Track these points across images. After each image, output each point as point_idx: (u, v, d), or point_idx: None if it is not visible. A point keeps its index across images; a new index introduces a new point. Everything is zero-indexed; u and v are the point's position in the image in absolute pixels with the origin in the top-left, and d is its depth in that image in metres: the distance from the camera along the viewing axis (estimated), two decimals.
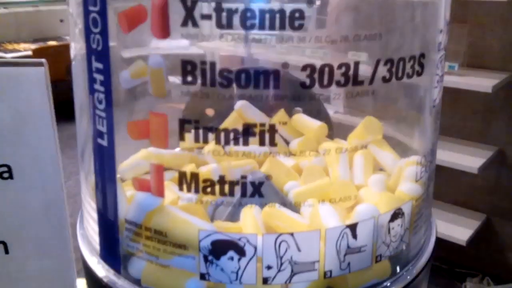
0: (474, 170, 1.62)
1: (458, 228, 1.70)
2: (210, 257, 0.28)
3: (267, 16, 0.25)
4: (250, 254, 0.27)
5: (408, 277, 0.32)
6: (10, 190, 0.36)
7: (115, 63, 0.26)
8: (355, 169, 0.40)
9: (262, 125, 0.27)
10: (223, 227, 0.31)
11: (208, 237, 0.27)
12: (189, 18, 0.25)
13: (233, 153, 0.44)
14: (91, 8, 0.26)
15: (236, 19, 0.25)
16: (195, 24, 0.25)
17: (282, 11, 0.25)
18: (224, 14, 0.25)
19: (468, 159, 1.66)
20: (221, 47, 0.28)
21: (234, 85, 0.40)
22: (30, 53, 2.34)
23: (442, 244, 1.65)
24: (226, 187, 0.27)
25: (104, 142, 0.28)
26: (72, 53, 0.33)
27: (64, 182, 0.37)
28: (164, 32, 0.25)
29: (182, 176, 0.27)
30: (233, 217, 0.34)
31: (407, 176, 0.34)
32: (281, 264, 0.28)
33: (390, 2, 0.30)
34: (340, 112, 0.47)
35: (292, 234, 0.28)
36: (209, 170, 0.35)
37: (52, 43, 2.55)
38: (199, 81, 0.25)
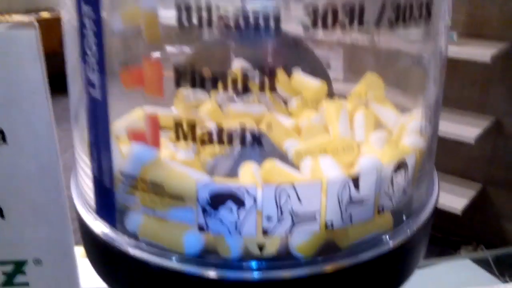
0: (471, 140, 1.63)
1: (453, 197, 1.72)
2: (208, 209, 0.27)
3: None
4: (249, 204, 0.27)
5: (408, 231, 0.31)
6: (4, 154, 0.36)
7: (105, 5, 0.25)
8: (355, 126, 0.39)
9: (262, 68, 0.25)
10: (222, 182, 0.31)
11: (206, 187, 0.27)
12: None
13: (231, 113, 0.43)
14: None
15: None
16: None
17: None
18: None
19: (465, 129, 1.66)
20: None
21: (232, 40, 0.39)
22: None
23: (437, 213, 1.66)
24: (225, 136, 0.26)
25: (96, 92, 0.27)
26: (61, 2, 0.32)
27: (60, 154, 0.37)
28: None
29: (178, 125, 0.26)
30: (232, 175, 0.33)
31: (411, 129, 0.33)
32: (281, 215, 0.27)
33: None
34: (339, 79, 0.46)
35: (292, 185, 0.27)
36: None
37: (44, 14, 2.51)
38: (194, 22, 0.24)
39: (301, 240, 0.28)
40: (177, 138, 0.26)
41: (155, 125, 0.26)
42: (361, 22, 0.23)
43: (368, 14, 0.23)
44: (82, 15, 0.25)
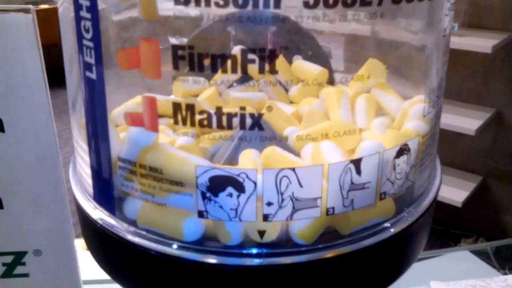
0: (471, 132, 1.62)
1: (454, 190, 1.71)
2: (208, 194, 0.27)
3: None
4: (249, 190, 0.26)
5: (410, 218, 0.31)
6: (2, 143, 0.35)
7: None
8: (357, 113, 0.38)
9: (262, 50, 0.25)
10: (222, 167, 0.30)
11: (205, 173, 0.26)
12: None
13: (230, 100, 0.42)
14: None
15: None
16: None
17: None
18: None
19: (465, 121, 1.65)
20: None
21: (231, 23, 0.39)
22: None
23: (437, 205, 1.65)
24: (224, 120, 0.26)
25: (93, 75, 0.27)
26: None
27: (60, 147, 0.37)
28: None
29: (177, 108, 0.26)
30: (232, 163, 0.33)
31: (413, 114, 0.32)
32: (282, 200, 0.27)
33: None
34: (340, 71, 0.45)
35: (293, 169, 0.26)
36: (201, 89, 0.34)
37: (43, 6, 2.50)
38: (192, 2, 0.23)
39: (302, 226, 0.28)
40: (176, 122, 0.26)
41: (152, 107, 0.26)
42: (363, 2, 0.23)
43: None
44: None
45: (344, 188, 0.27)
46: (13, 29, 0.33)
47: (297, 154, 0.33)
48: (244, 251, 0.28)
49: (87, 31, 0.26)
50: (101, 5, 0.25)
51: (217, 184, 0.26)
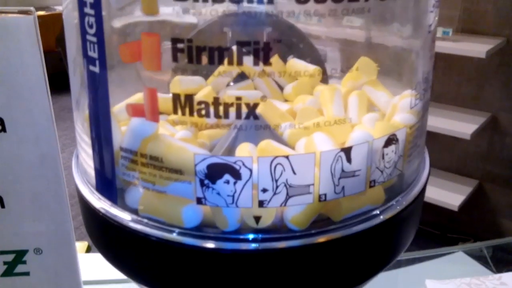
0: (466, 136, 1.64)
1: (450, 194, 1.72)
2: (206, 181, 0.28)
3: None
4: (245, 177, 0.28)
5: (398, 207, 0.32)
6: (4, 143, 0.36)
7: None
8: (349, 109, 0.40)
9: (257, 43, 0.26)
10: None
11: (203, 160, 0.28)
12: None
13: (226, 98, 0.44)
14: None
15: None
16: None
17: None
18: None
19: (461, 125, 1.67)
20: None
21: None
22: None
23: (434, 209, 1.67)
24: (221, 109, 0.27)
25: (96, 69, 0.28)
26: None
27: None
28: None
29: (176, 98, 0.27)
30: (229, 155, 0.34)
31: (401, 107, 0.34)
32: (277, 187, 0.28)
33: None
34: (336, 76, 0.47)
35: (287, 157, 0.28)
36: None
37: (40, 13, 2.51)
38: None
39: (296, 212, 0.29)
40: (175, 111, 0.27)
41: (153, 98, 0.27)
42: None
43: None
44: None
45: (335, 176, 0.29)
46: (14, 31, 0.34)
47: (292, 148, 0.34)
48: (241, 237, 0.29)
49: (91, 26, 0.27)
50: (104, 1, 0.27)
51: (215, 172, 0.28)
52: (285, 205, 0.29)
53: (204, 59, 0.27)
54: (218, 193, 0.28)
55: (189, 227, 0.30)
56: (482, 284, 0.66)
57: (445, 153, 1.83)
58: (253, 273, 0.30)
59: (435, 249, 0.80)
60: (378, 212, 0.31)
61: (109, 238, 0.34)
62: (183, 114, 0.27)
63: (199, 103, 0.27)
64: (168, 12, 0.28)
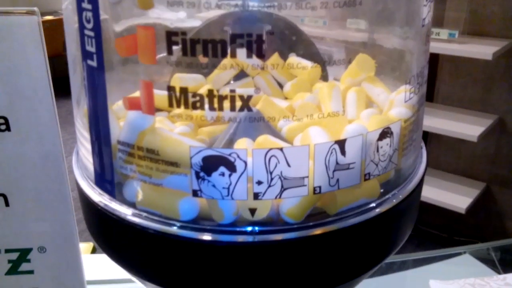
0: (473, 138, 1.63)
1: (457, 197, 1.71)
2: (201, 174, 0.28)
3: None
4: (240, 169, 0.28)
5: (394, 200, 0.32)
6: (8, 142, 0.37)
7: None
8: (348, 105, 0.40)
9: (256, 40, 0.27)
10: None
11: (199, 153, 0.28)
12: None
13: (221, 91, 0.44)
14: None
15: None
16: None
17: None
18: None
19: (468, 127, 1.66)
20: None
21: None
22: None
23: (441, 212, 1.66)
24: (215, 101, 0.27)
25: (94, 63, 0.29)
26: None
27: (65, 157, 0.37)
28: None
29: (171, 90, 0.27)
30: None
31: (396, 102, 0.34)
32: (271, 179, 0.28)
33: None
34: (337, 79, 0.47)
35: (281, 149, 0.28)
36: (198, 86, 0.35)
37: (48, 17, 2.54)
38: None
39: (291, 205, 0.30)
40: (171, 105, 0.28)
41: (149, 91, 0.28)
42: None
43: None
44: None
45: (329, 168, 0.29)
46: (18, 31, 0.34)
47: (290, 143, 0.34)
48: (237, 229, 0.30)
49: (88, 21, 0.28)
50: None
51: (210, 164, 0.28)
52: (280, 197, 0.29)
53: (203, 56, 0.27)
54: (214, 186, 0.29)
55: (186, 219, 0.30)
56: (487, 284, 0.65)
57: (452, 156, 1.82)
58: (249, 266, 0.30)
59: (441, 250, 0.80)
60: (374, 205, 0.32)
61: (107, 232, 0.34)
62: (178, 106, 0.28)
63: (194, 95, 0.27)
64: (168, 12, 0.28)
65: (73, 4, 0.30)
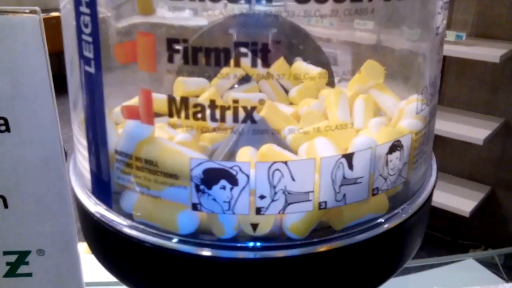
0: (479, 141, 1.61)
1: (462, 200, 1.70)
2: (201, 187, 0.27)
3: None
4: (242, 183, 0.27)
5: (404, 215, 0.31)
6: (8, 143, 0.36)
7: None
8: (355, 113, 0.39)
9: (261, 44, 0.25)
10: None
11: (199, 165, 0.27)
12: None
13: (230, 100, 0.43)
14: None
15: None
16: None
17: None
18: None
19: (473, 130, 1.65)
20: None
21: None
22: None
23: (445, 215, 1.65)
24: (217, 112, 0.26)
25: (92, 69, 0.28)
26: None
27: (69, 155, 0.37)
28: None
29: (171, 100, 0.26)
30: (230, 160, 0.33)
31: (407, 113, 0.33)
32: (275, 194, 0.27)
33: None
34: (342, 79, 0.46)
35: (286, 163, 0.27)
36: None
37: (54, 14, 2.53)
38: None
39: (295, 220, 0.28)
40: (171, 115, 0.26)
41: (148, 100, 0.27)
42: None
43: None
44: None
45: (336, 183, 0.28)
46: (19, 31, 0.33)
47: (295, 153, 0.33)
48: (238, 244, 0.28)
49: (86, 26, 0.27)
50: (99, 0, 0.26)
51: (211, 177, 0.27)
52: (283, 212, 0.28)
53: (207, 61, 0.26)
54: (214, 199, 0.27)
55: (185, 233, 0.29)
56: None
57: (457, 158, 1.80)
58: (251, 283, 0.29)
59: (445, 257, 0.79)
60: (382, 220, 0.30)
61: (103, 243, 0.33)
62: (179, 117, 0.26)
63: (196, 105, 0.26)
64: (171, 15, 0.27)
65: (71, 5, 0.29)
